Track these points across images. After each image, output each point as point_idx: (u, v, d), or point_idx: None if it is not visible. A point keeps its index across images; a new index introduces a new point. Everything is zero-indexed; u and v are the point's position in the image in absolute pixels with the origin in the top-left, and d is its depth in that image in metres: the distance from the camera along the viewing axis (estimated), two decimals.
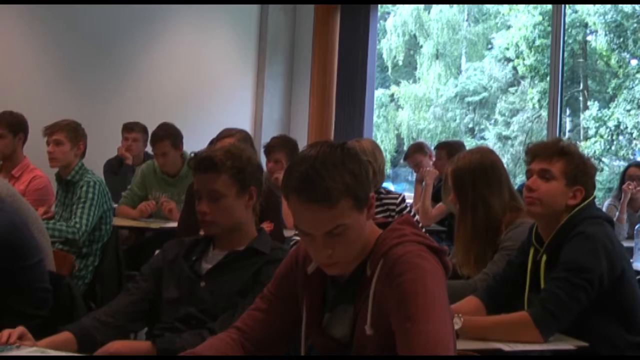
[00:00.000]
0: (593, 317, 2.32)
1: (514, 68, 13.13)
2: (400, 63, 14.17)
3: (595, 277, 2.29)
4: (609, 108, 11.88)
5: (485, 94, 13.55)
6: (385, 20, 13.76)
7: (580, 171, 2.45)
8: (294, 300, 1.79)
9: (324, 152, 1.61)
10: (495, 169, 2.88)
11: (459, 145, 5.72)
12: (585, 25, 12.38)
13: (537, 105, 12.72)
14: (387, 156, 12.95)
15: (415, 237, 1.66)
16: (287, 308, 1.79)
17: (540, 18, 12.35)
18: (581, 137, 12.18)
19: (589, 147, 11.53)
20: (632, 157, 11.53)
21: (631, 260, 3.38)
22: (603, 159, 11.76)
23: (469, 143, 13.12)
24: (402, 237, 1.65)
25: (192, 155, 2.32)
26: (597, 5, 11.65)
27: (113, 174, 5.64)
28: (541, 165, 2.47)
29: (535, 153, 2.50)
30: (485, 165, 2.87)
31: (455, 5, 13.50)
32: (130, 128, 5.76)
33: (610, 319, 2.36)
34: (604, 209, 5.28)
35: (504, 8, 13.13)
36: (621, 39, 11.96)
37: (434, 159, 5.72)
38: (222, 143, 3.71)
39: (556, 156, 2.46)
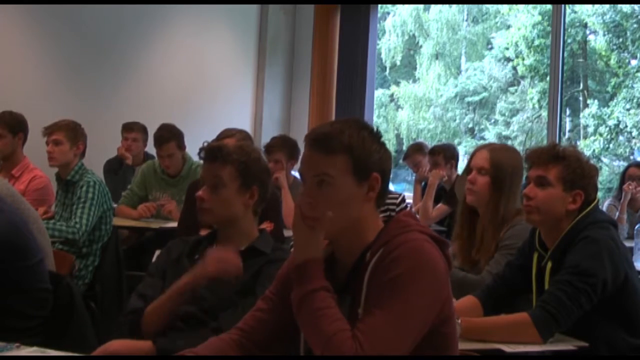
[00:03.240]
0: (595, 320, 2.32)
1: (514, 68, 13.14)
2: (400, 63, 14.17)
3: (598, 282, 2.29)
4: (608, 107, 11.88)
5: (485, 94, 13.56)
6: (384, 20, 13.76)
7: (578, 175, 2.43)
8: None
9: (353, 119, 1.73)
10: (522, 168, 2.94)
11: (454, 149, 5.73)
12: (585, 25, 12.39)
13: (537, 105, 12.72)
14: None
15: (419, 227, 1.68)
16: (288, 308, 1.79)
17: (540, 18, 12.35)
18: (581, 137, 12.19)
19: (588, 146, 11.54)
20: (631, 157, 11.53)
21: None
22: (602, 159, 11.76)
23: (469, 143, 13.13)
24: (408, 227, 1.66)
25: (205, 144, 2.38)
26: (596, 6, 11.65)
27: (113, 174, 5.64)
28: (537, 172, 2.46)
29: (532, 160, 2.50)
30: (520, 162, 2.94)
31: (454, 5, 13.49)
32: (130, 128, 5.76)
33: (612, 322, 2.36)
34: (603, 209, 5.28)
35: (504, 8, 13.13)
36: (620, 39, 11.97)
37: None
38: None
39: (552, 162, 2.44)
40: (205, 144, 2.38)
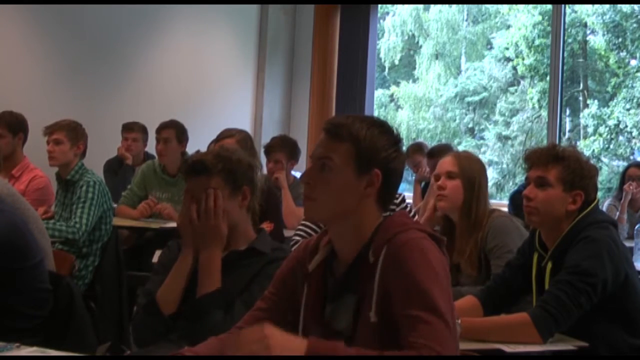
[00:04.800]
0: (595, 320, 2.32)
1: (514, 68, 13.12)
2: (399, 63, 14.16)
3: (598, 282, 2.29)
4: (608, 107, 11.88)
5: (485, 94, 13.54)
6: (384, 20, 13.74)
7: (578, 175, 2.43)
8: (295, 299, 1.80)
9: (373, 117, 1.79)
10: (486, 173, 3.02)
11: (453, 149, 5.70)
12: (585, 25, 12.38)
13: (537, 105, 12.71)
14: None
15: (416, 225, 1.69)
16: (288, 307, 1.80)
17: (540, 18, 12.35)
18: (581, 137, 12.18)
19: (588, 146, 11.53)
20: (631, 157, 11.53)
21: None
22: (602, 159, 11.75)
23: (469, 143, 13.13)
24: (405, 225, 1.67)
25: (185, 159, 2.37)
26: (596, 6, 11.65)
27: (113, 174, 5.64)
28: (537, 172, 2.46)
29: (532, 160, 2.50)
30: (483, 166, 3.02)
31: (454, 5, 13.48)
32: (130, 128, 5.76)
33: (613, 322, 2.37)
34: (603, 209, 5.28)
35: (504, 8, 13.13)
36: (620, 39, 11.96)
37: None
38: (222, 143, 3.72)
39: (551, 162, 2.44)
40: (187, 159, 2.38)
